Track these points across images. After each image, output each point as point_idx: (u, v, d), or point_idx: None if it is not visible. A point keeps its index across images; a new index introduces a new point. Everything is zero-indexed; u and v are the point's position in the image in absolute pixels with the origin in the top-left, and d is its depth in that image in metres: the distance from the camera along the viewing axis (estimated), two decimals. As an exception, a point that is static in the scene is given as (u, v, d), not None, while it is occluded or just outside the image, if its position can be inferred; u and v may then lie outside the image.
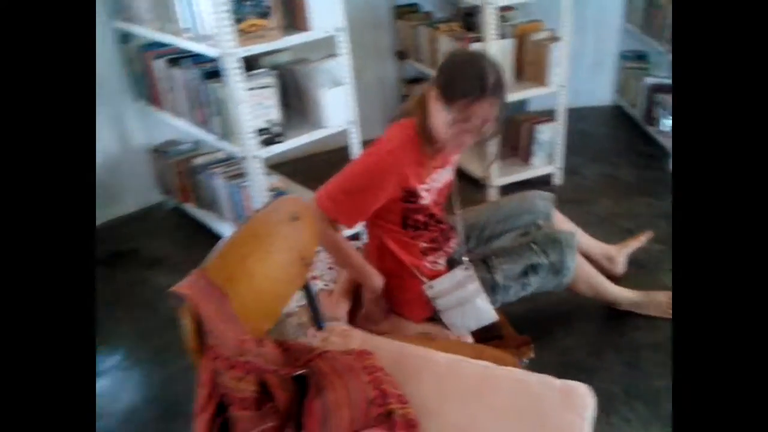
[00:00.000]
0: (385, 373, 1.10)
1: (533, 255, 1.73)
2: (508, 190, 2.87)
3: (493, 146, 2.70)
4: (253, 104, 2.06)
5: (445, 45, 2.92)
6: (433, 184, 1.62)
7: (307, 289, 1.29)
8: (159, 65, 2.42)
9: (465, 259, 1.66)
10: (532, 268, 1.72)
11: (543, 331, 2.01)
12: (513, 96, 2.73)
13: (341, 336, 1.23)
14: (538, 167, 2.92)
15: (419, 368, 1.17)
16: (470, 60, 1.49)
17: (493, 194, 2.85)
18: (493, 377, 1.14)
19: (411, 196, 1.56)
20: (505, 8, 2.85)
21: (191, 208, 2.75)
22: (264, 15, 1.98)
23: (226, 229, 2.53)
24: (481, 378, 1.14)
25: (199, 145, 2.80)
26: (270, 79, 2.08)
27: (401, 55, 3.31)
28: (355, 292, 1.66)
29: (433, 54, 3.04)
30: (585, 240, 2.11)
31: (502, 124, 1.51)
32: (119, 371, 2.00)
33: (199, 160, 2.60)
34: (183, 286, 0.93)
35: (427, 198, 1.61)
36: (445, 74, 1.47)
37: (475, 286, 1.64)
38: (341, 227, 1.57)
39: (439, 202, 1.70)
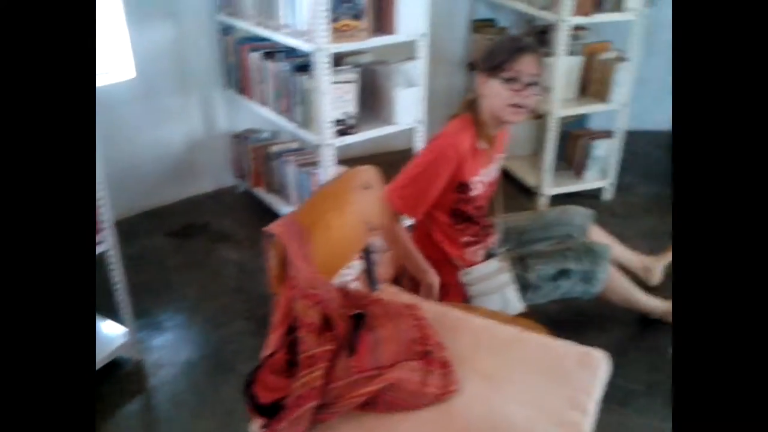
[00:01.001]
0: (428, 322, 1.29)
1: (568, 260, 1.88)
2: (558, 200, 3.01)
3: (548, 155, 2.86)
4: (334, 96, 2.30)
5: (514, 59, 3.10)
6: (483, 178, 1.81)
7: (366, 252, 1.51)
8: (253, 57, 2.71)
9: (500, 252, 1.83)
10: (565, 273, 1.87)
11: (573, 331, 2.13)
12: (575, 110, 2.88)
13: (392, 295, 1.43)
14: (590, 181, 3.05)
15: (458, 325, 1.36)
16: (502, 38, 1.71)
17: (544, 203, 3.00)
18: (523, 338, 1.32)
19: (464, 187, 1.75)
20: (577, 28, 3.01)
21: (261, 192, 3.01)
22: (357, 16, 2.22)
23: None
24: (512, 337, 1.32)
25: (276, 135, 3.08)
26: (352, 75, 2.32)
27: (472, 66, 3.51)
28: (399, 266, 1.85)
29: (501, 67, 3.22)
30: (622, 251, 2.25)
31: (546, 90, 1.64)
32: (182, 329, 2.25)
33: (274, 148, 2.88)
34: (275, 226, 1.16)
35: (477, 190, 1.79)
36: (485, 55, 1.69)
37: (506, 277, 1.81)
38: (405, 218, 1.75)
39: (486, 197, 1.88)
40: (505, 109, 1.67)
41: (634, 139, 3.42)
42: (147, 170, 3.01)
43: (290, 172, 2.77)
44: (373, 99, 2.62)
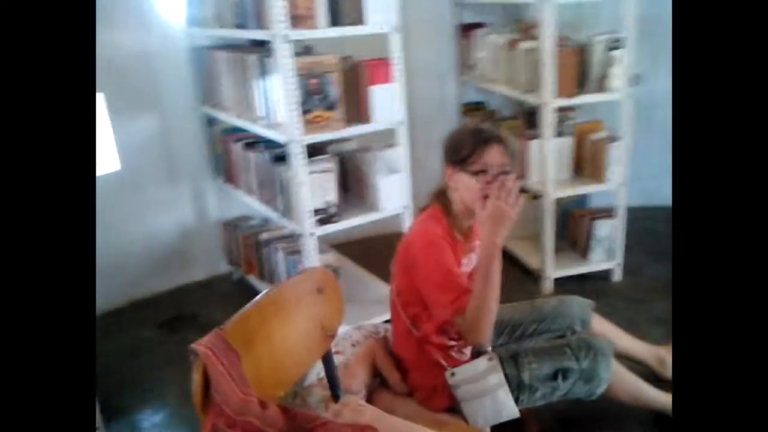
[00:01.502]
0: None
1: (565, 359, 1.70)
2: (563, 283, 2.85)
3: (547, 238, 2.72)
4: (313, 186, 2.23)
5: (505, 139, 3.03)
6: (466, 268, 1.68)
7: (326, 360, 1.36)
8: (237, 148, 2.68)
9: (489, 349, 1.67)
10: (563, 373, 1.69)
11: (582, 430, 1.94)
12: (571, 191, 2.77)
13: (353, 411, 1.28)
14: (596, 263, 2.89)
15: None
16: (462, 128, 1.70)
17: (548, 287, 2.83)
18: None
19: None
20: (566, 108, 2.95)
21: (254, 280, 2.92)
22: (330, 108, 2.19)
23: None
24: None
25: (267, 222, 3.01)
26: (330, 164, 2.26)
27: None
28: (373, 364, 1.70)
29: (495, 148, 3.16)
30: (631, 343, 2.06)
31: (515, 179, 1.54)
32: (162, 429, 2.11)
33: (264, 236, 2.79)
34: (200, 343, 1.04)
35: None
36: (450, 148, 1.64)
37: (498, 377, 1.63)
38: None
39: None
40: (478, 202, 1.58)
41: (640, 216, 3.28)
42: (137, 260, 2.95)
43: (280, 259, 2.68)
44: (358, 186, 2.55)
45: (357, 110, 2.36)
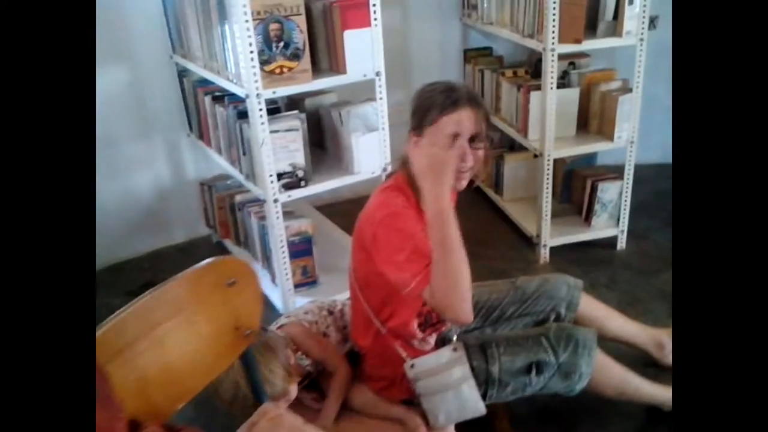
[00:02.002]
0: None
1: (540, 351, 1.50)
2: (562, 251, 2.61)
3: (543, 202, 2.48)
4: (276, 147, 2.01)
5: (507, 92, 2.74)
6: None
7: (246, 363, 1.18)
8: (207, 101, 2.46)
9: (455, 338, 1.47)
10: (537, 366, 1.49)
11: (564, 428, 1.75)
12: (574, 150, 2.50)
13: (270, 421, 1.10)
14: (599, 229, 2.63)
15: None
16: (430, 87, 1.40)
17: (544, 255, 2.60)
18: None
19: None
20: (578, 55, 2.64)
21: (231, 245, 2.74)
22: (295, 57, 1.93)
23: (255, 268, 2.49)
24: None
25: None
26: (295, 122, 2.02)
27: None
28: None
29: (496, 101, 2.87)
30: (625, 325, 1.84)
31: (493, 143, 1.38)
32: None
33: (239, 198, 2.59)
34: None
35: None
36: (415, 111, 1.40)
37: (462, 370, 1.45)
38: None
39: None
40: None
41: (650, 175, 2.99)
42: (111, 221, 2.78)
43: (254, 224, 2.49)
44: (334, 145, 2.32)
45: (330, 59, 2.11)
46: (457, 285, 1.23)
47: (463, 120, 1.35)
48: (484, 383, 1.49)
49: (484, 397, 1.47)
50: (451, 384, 1.45)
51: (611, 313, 1.81)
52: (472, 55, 3.16)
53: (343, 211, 2.93)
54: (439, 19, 3.17)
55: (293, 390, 1.36)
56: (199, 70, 2.36)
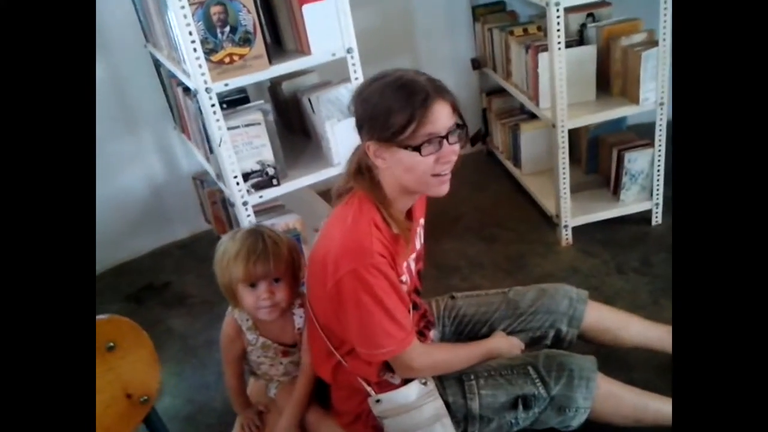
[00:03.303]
0: None
1: (527, 383, 1.25)
2: (588, 230, 2.30)
3: (560, 179, 2.18)
4: (240, 144, 1.80)
5: (516, 54, 2.41)
6: (403, 279, 1.26)
7: (151, 427, 1.00)
8: (180, 93, 2.26)
9: None
10: (524, 401, 1.24)
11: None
12: (592, 118, 2.17)
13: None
14: (630, 203, 2.30)
15: None
16: (382, 85, 1.15)
17: (567, 237, 2.30)
18: None
19: None
20: (597, 4, 2.27)
21: (228, 241, 2.58)
22: (245, 42, 1.70)
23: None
24: None
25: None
26: (256, 116, 1.79)
27: (475, 63, 2.84)
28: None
29: (506, 63, 2.54)
30: (650, 331, 1.55)
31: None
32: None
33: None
34: None
35: (406, 282, 1.27)
36: (370, 117, 1.14)
37: (435, 407, 1.23)
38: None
39: (418, 274, 1.38)
40: (427, 183, 1.15)
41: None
42: (108, 222, 2.66)
43: (245, 221, 2.30)
44: (314, 134, 2.08)
45: (292, 39, 1.86)
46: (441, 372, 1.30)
47: (439, 118, 1.11)
48: (463, 420, 1.27)
49: None
50: (421, 423, 1.24)
51: (627, 319, 1.53)
52: (482, 12, 2.81)
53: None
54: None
55: None
56: (165, 62, 2.16)
